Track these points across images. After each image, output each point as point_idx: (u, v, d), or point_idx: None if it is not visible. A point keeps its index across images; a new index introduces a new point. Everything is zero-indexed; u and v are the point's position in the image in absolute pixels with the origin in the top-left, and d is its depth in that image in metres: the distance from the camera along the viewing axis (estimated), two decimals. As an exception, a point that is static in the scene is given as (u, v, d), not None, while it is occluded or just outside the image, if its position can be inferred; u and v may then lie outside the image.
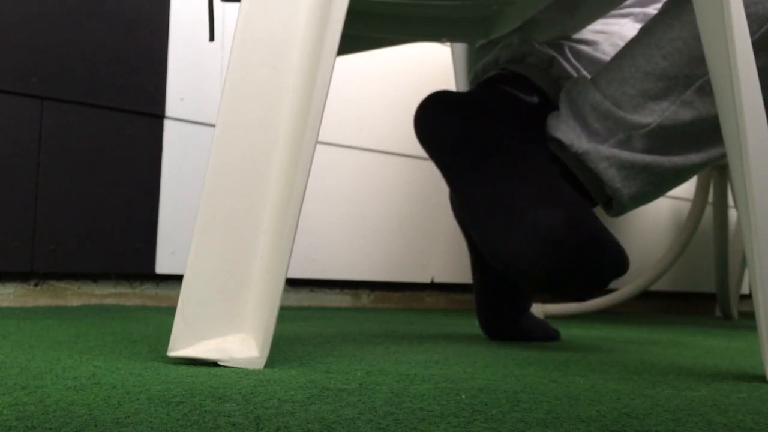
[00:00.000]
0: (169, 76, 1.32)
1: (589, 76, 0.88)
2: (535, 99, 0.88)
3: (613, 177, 0.81)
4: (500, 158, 0.82)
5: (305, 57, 0.61)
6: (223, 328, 0.59)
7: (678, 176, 0.83)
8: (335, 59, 0.62)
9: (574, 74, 0.91)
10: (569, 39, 0.97)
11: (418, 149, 1.59)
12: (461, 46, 1.14)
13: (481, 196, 0.82)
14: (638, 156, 0.81)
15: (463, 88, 1.14)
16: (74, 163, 1.22)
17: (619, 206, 0.83)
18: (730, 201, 1.80)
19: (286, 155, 0.61)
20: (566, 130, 0.82)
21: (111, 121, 1.26)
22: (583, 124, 0.82)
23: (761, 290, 0.64)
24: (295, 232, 0.60)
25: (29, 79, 1.18)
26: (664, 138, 0.80)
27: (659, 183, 0.82)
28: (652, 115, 0.80)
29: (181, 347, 0.59)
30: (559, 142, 0.82)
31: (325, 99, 0.61)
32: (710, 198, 1.77)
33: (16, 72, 1.17)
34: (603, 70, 0.85)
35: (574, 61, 0.93)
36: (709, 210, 1.83)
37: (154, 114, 1.30)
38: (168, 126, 1.31)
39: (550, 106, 0.89)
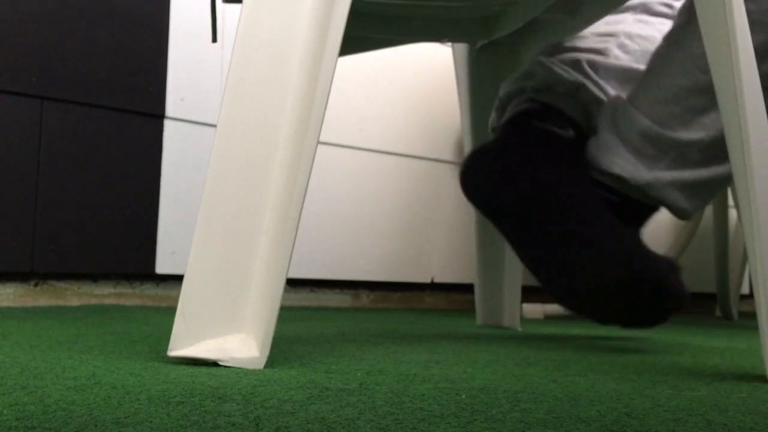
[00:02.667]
0: (169, 76, 1.32)
1: (623, 96, 0.87)
2: (570, 132, 0.89)
3: (677, 198, 0.83)
4: (554, 211, 0.82)
5: (307, 58, 0.61)
6: (223, 328, 0.59)
7: (731, 179, 0.84)
8: (337, 60, 0.62)
9: (602, 96, 0.91)
10: (581, 50, 0.96)
11: (418, 149, 1.60)
12: (462, 47, 1.14)
13: (542, 259, 0.83)
14: (697, 172, 0.83)
15: (465, 89, 1.14)
16: (74, 163, 1.22)
17: (684, 217, 0.87)
18: (730, 201, 1.80)
19: (288, 156, 0.61)
20: (622, 164, 0.83)
21: (111, 121, 1.26)
22: (636, 152, 0.83)
23: (763, 289, 0.64)
24: (296, 233, 0.60)
25: (29, 79, 1.18)
26: (717, 148, 0.81)
27: (716, 189, 0.86)
28: (703, 130, 0.81)
29: (181, 347, 0.59)
30: (618, 177, 0.83)
31: (327, 100, 0.61)
32: (710, 198, 1.77)
33: (16, 72, 1.17)
34: (639, 90, 0.85)
35: (595, 77, 0.93)
36: (709, 210, 1.83)
37: (154, 114, 1.30)
38: (168, 126, 1.31)
39: (583, 135, 0.90)
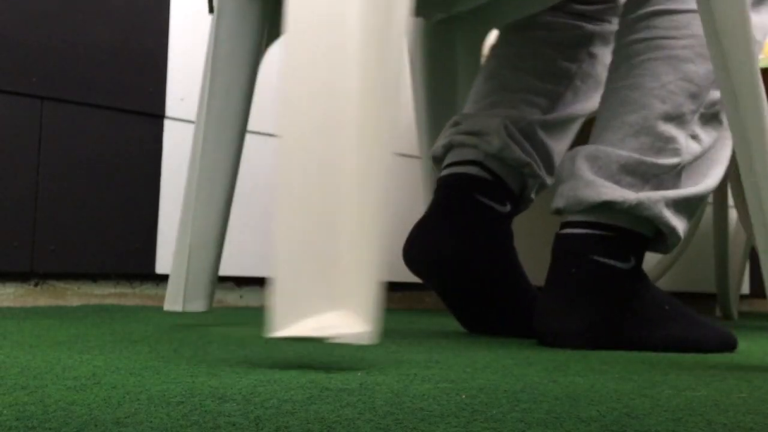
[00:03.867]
0: (169, 76, 1.32)
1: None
2: (507, 207, 0.97)
3: (669, 217, 0.85)
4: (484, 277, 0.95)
5: (368, 42, 0.56)
6: (322, 306, 0.56)
7: (705, 199, 0.90)
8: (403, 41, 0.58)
9: (547, 180, 1.00)
10: (535, 120, 1.00)
11: (417, 149, 1.59)
12: (418, 22, 1.09)
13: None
14: (681, 191, 0.86)
15: (420, 67, 1.10)
16: (74, 163, 1.22)
17: (673, 244, 0.89)
18: (730, 201, 1.80)
19: (362, 126, 0.56)
20: (610, 192, 0.84)
21: (111, 121, 1.26)
22: (618, 181, 0.85)
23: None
24: (384, 202, 0.57)
25: (29, 79, 1.18)
26: (691, 170, 0.87)
27: (695, 210, 0.89)
28: (675, 155, 0.86)
29: (283, 327, 0.56)
30: (608, 204, 0.84)
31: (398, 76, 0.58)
32: (710, 198, 1.77)
33: (16, 72, 1.17)
34: (605, 131, 0.89)
35: (548, 142, 1.00)
36: (709, 210, 1.83)
37: (154, 114, 1.30)
38: (168, 126, 1.31)
39: (516, 210, 0.99)
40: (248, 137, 1.43)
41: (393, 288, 1.59)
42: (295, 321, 0.56)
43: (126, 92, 1.27)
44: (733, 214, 1.93)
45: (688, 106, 0.86)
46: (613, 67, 0.92)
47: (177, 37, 1.33)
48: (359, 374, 0.58)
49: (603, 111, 0.91)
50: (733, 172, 1.58)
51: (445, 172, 0.99)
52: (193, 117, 1.34)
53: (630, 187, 0.85)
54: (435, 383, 0.55)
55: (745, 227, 1.61)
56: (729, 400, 0.53)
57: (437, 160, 1.02)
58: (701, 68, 0.86)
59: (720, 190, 1.78)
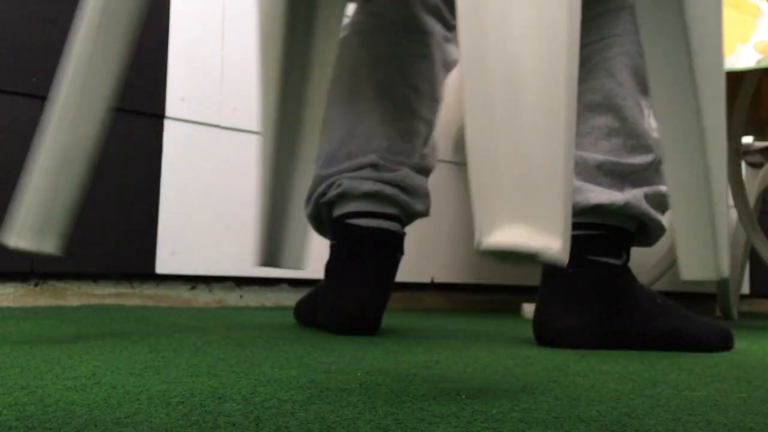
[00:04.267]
0: (169, 76, 1.32)
1: None
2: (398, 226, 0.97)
3: (652, 212, 0.88)
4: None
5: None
6: (523, 220, 0.53)
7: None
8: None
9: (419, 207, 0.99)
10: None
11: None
12: None
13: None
14: (656, 188, 0.88)
15: (274, 47, 0.95)
16: (74, 163, 1.22)
17: (657, 237, 0.91)
18: (730, 201, 1.80)
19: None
20: (598, 195, 0.86)
21: (111, 121, 1.26)
22: (601, 183, 0.87)
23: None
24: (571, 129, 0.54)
25: (29, 79, 1.18)
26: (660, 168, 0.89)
27: (667, 206, 0.90)
28: (649, 152, 0.88)
29: (495, 239, 0.51)
30: (599, 207, 0.85)
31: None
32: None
33: (16, 72, 1.17)
34: (576, 136, 0.90)
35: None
36: (709, 210, 1.83)
37: (154, 114, 1.30)
38: (168, 126, 1.31)
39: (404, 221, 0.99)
40: (248, 136, 1.44)
41: (393, 288, 1.59)
42: (504, 234, 0.51)
43: (126, 92, 1.27)
44: (733, 214, 1.93)
45: (644, 102, 0.88)
46: None
47: (177, 37, 1.33)
48: (359, 374, 0.58)
49: None
50: (733, 173, 1.58)
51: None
52: (193, 117, 1.34)
53: (612, 187, 0.87)
54: (435, 383, 0.55)
55: (745, 227, 1.61)
56: (729, 400, 0.53)
57: (311, 218, 1.02)
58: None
59: (720, 190, 1.77)
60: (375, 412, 0.44)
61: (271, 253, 0.95)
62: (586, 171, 0.87)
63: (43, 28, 1.20)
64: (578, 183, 0.87)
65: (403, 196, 0.95)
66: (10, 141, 1.16)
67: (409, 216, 0.98)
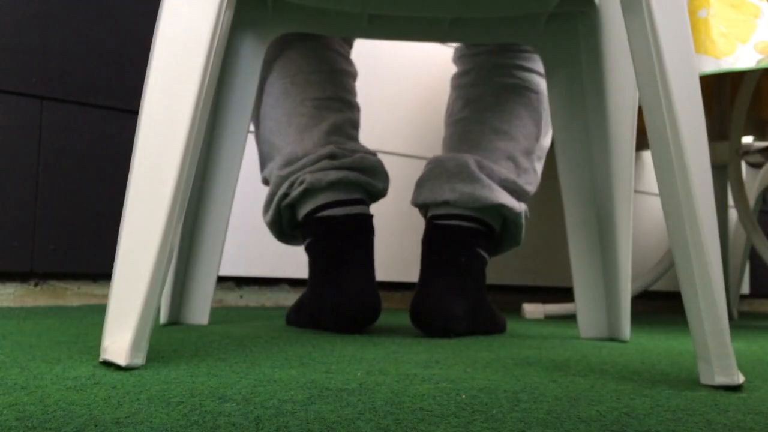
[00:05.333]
0: (169, 76, 1.31)
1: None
2: (366, 209, 0.99)
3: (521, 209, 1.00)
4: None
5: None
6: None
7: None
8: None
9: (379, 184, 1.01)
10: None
11: (417, 149, 1.60)
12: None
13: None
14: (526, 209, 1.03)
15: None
16: (74, 162, 1.22)
17: (511, 246, 1.05)
18: (730, 201, 1.80)
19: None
20: (503, 198, 0.96)
21: (111, 121, 1.26)
22: (499, 180, 0.98)
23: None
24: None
25: (29, 79, 1.18)
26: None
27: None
28: (531, 184, 1.01)
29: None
30: (500, 207, 0.96)
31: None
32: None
33: (16, 72, 1.17)
34: (480, 150, 1.01)
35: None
36: (709, 210, 1.83)
37: (154, 114, 1.30)
38: (168, 126, 1.31)
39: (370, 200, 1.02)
40: (248, 136, 1.43)
41: (393, 288, 1.59)
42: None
43: (126, 92, 1.27)
44: (733, 214, 1.93)
45: (533, 147, 1.02)
46: (478, 92, 1.04)
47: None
48: (359, 374, 0.58)
49: (473, 131, 1.02)
50: (733, 173, 1.58)
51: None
52: (193, 117, 1.34)
53: (511, 197, 0.98)
54: (435, 383, 0.55)
55: (745, 227, 1.61)
56: (729, 400, 0.53)
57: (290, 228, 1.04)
58: (543, 116, 1.03)
59: (720, 191, 1.78)
60: (375, 412, 0.44)
61: (175, 312, 1.01)
62: (492, 178, 0.98)
63: (43, 29, 1.20)
64: (489, 182, 0.96)
65: (364, 178, 0.98)
66: (10, 141, 1.16)
67: (371, 197, 1.02)
